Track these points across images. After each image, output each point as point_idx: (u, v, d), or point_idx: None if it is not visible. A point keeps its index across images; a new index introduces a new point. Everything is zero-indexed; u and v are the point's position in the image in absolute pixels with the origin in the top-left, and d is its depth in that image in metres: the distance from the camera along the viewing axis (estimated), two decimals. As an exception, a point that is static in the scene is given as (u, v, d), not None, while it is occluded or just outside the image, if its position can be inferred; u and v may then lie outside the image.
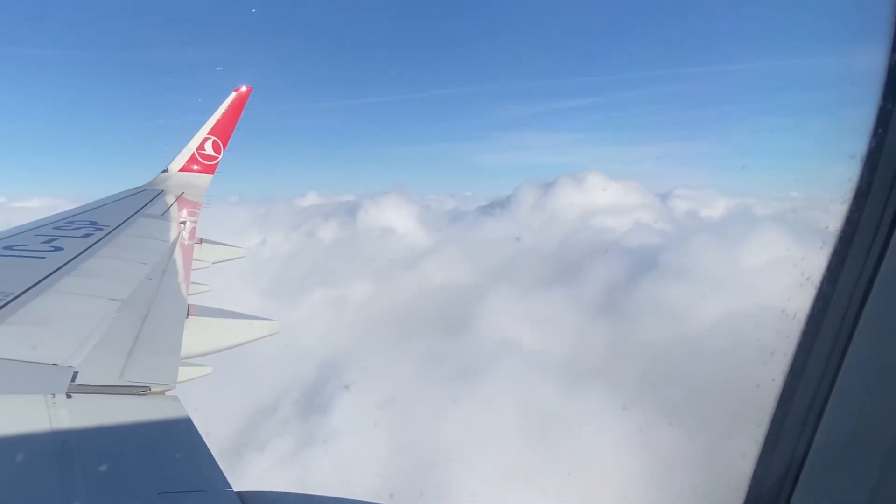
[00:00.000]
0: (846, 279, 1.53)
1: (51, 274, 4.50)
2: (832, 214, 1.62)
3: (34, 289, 4.04)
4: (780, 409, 1.70)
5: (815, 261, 1.64)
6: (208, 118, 13.54)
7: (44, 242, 5.73)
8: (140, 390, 2.81)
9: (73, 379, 2.71)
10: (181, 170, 13.07)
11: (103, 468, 2.07)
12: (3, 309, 3.52)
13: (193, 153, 13.26)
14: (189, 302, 4.77)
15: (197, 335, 4.20)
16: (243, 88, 13.81)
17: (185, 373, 3.40)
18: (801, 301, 1.66)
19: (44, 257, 5.11)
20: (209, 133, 13.40)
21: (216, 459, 2.23)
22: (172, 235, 7.51)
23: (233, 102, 13.64)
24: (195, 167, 13.23)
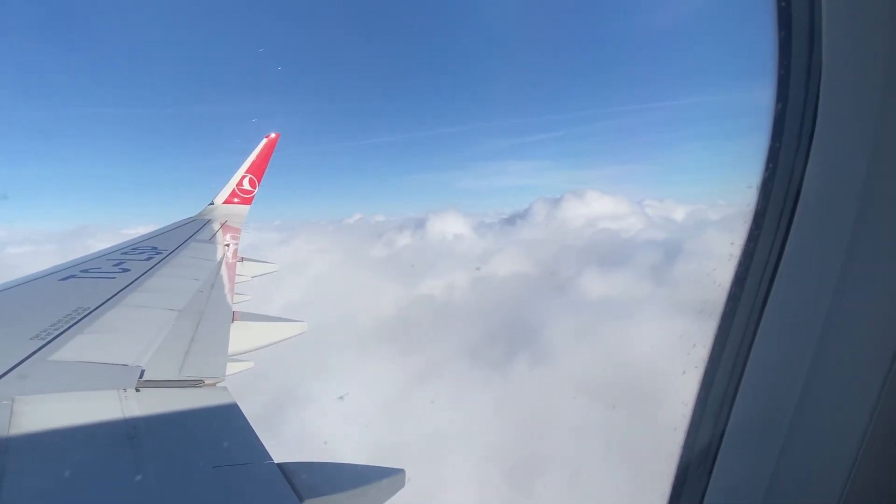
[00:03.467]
0: (752, 281, 1.54)
1: (120, 291, 4.48)
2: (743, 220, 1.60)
3: (106, 303, 4.03)
4: (703, 391, 1.70)
5: (728, 266, 1.62)
6: (244, 160, 13.67)
7: (114, 265, 5.71)
8: (195, 383, 2.80)
9: (141, 376, 2.71)
10: (224, 202, 13.13)
11: (167, 448, 2.07)
12: (82, 321, 3.51)
13: (234, 188, 13.35)
14: (234, 309, 4.77)
15: (240, 336, 4.19)
16: (272, 135, 14.00)
17: (231, 367, 3.39)
18: (715, 303, 1.66)
19: (114, 277, 5.09)
20: (246, 172, 13.51)
21: (259, 437, 2.24)
22: (219, 256, 7.49)
23: (264, 146, 13.80)
24: (235, 200, 13.28)
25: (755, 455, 1.48)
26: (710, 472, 1.60)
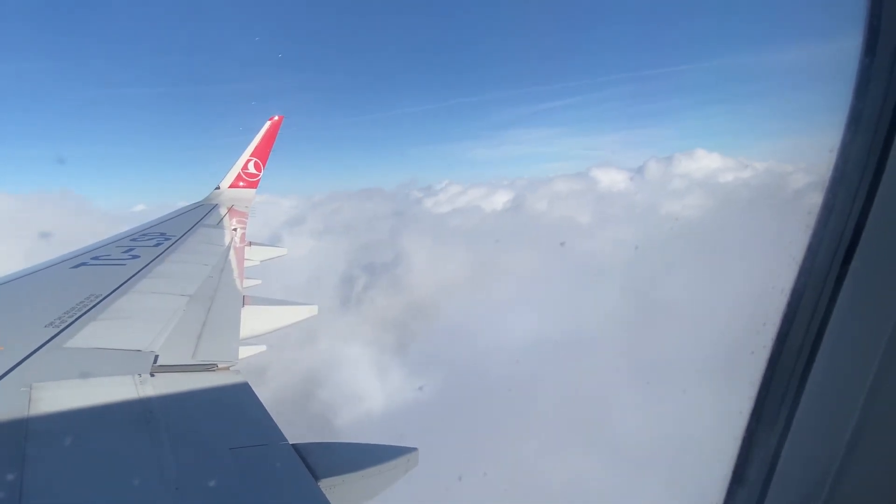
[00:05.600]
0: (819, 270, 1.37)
1: (131, 277, 4.51)
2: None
3: (118, 290, 4.06)
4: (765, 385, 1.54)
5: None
6: (249, 144, 13.55)
7: (124, 252, 5.75)
8: (208, 367, 2.82)
9: (155, 361, 2.74)
10: (230, 186, 13.10)
11: (184, 431, 2.10)
12: (95, 308, 3.55)
13: (239, 172, 13.27)
14: (244, 294, 4.79)
15: (251, 321, 4.22)
16: (276, 117, 13.80)
17: (244, 351, 3.42)
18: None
19: (124, 264, 5.12)
20: (251, 155, 13.39)
21: (273, 419, 2.26)
22: (227, 241, 7.51)
23: (268, 129, 13.64)
24: (241, 184, 13.24)
25: (818, 457, 1.34)
26: (772, 471, 1.48)
